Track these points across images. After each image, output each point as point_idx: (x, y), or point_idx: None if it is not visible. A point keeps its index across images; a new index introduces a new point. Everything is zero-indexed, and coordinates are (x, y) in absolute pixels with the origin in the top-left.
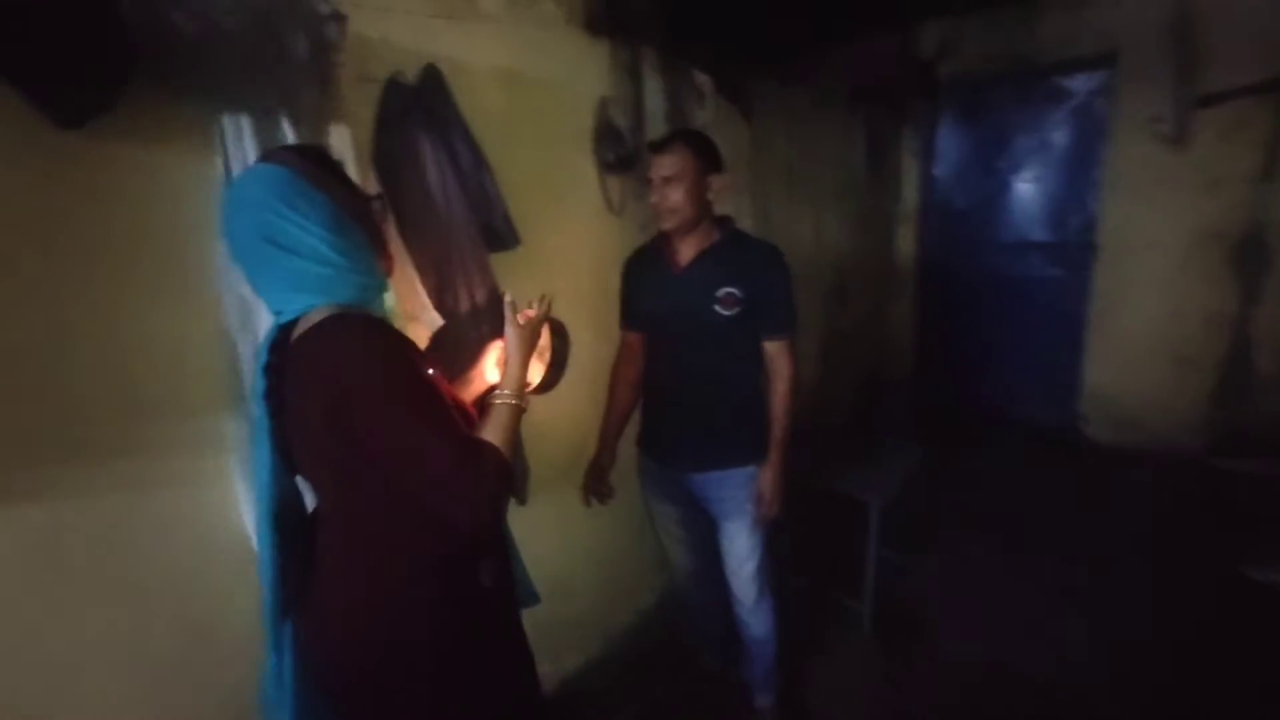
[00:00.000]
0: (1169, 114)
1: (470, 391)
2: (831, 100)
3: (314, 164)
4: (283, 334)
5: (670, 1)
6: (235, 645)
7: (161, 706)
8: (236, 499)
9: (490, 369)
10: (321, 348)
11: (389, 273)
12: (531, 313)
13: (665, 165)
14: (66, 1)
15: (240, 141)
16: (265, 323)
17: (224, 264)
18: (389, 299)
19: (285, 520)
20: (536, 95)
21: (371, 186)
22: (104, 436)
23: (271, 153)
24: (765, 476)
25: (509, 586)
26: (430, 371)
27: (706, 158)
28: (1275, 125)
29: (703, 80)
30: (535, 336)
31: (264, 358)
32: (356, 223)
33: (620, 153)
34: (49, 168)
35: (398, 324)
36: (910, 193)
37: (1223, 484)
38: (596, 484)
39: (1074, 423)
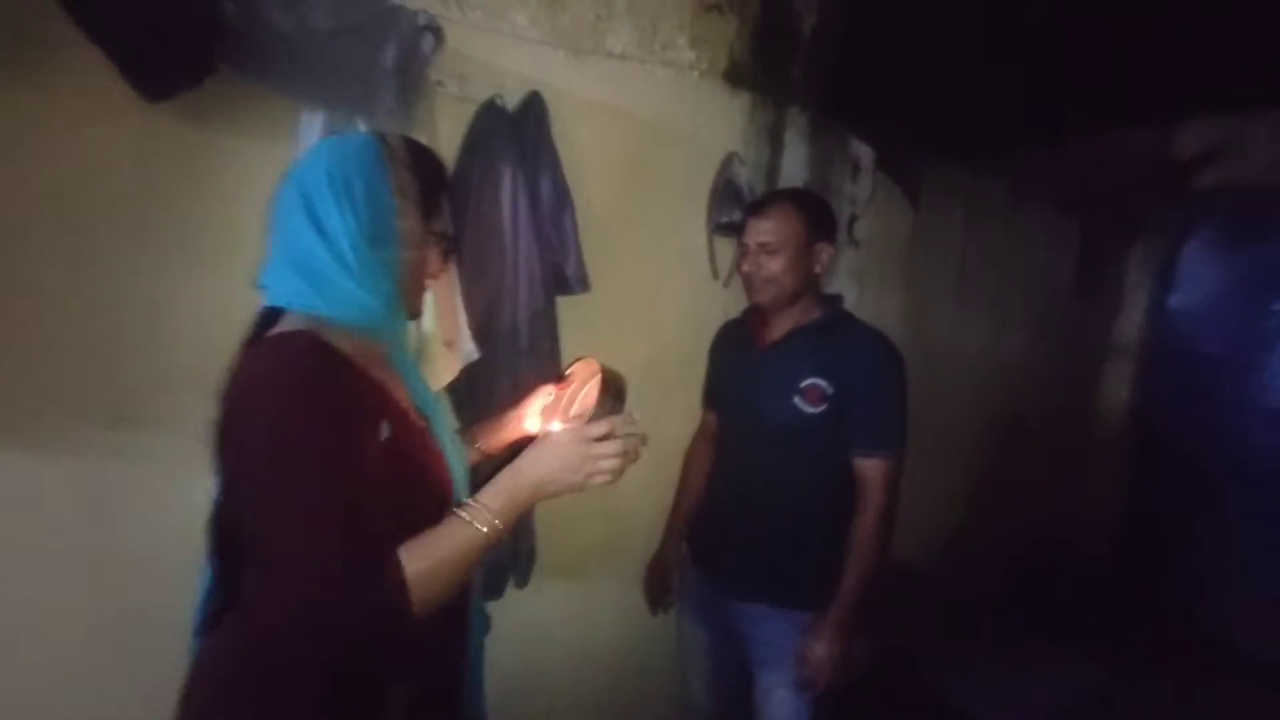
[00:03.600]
0: None
1: (500, 438)
2: (1036, 196)
3: (415, 169)
4: (265, 322)
5: (840, 58)
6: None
7: (89, 683)
8: None
9: (532, 417)
10: (250, 360)
11: (412, 316)
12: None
13: (764, 230)
14: None
15: (312, 138)
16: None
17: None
18: (426, 325)
19: (220, 532)
20: (652, 140)
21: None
22: (140, 408)
23: (384, 133)
24: (818, 631)
25: None
26: (385, 433)
27: (816, 223)
28: None
29: (861, 151)
30: (590, 460)
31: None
32: (401, 249)
33: (736, 216)
34: (136, 140)
35: (432, 350)
36: (1132, 324)
37: None
38: (656, 587)
39: None
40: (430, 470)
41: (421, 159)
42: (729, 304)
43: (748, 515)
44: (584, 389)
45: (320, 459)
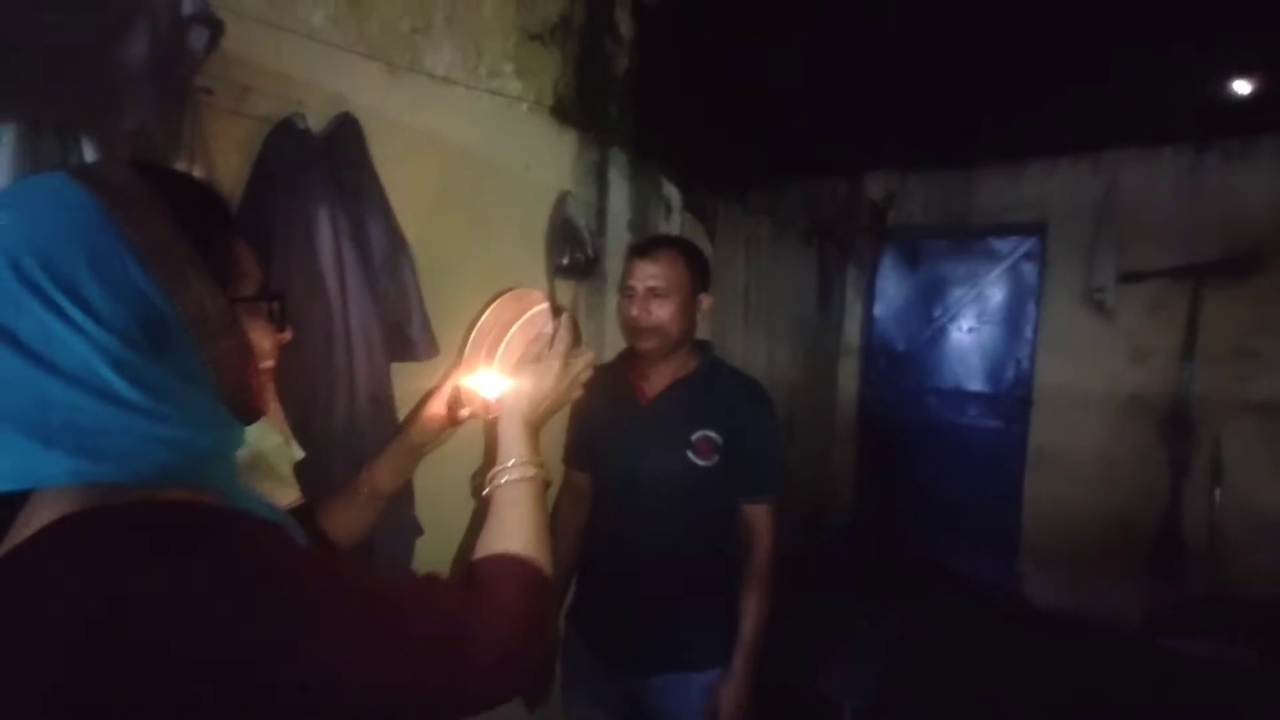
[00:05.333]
0: (1096, 285)
1: (401, 470)
2: (789, 231)
3: (172, 213)
4: None
5: (641, 110)
6: None
7: None
8: None
9: (434, 411)
10: (61, 610)
11: (251, 419)
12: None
13: (653, 274)
14: None
15: None
16: None
17: None
18: (251, 432)
19: None
20: (483, 176)
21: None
22: None
23: (91, 166)
24: (726, 690)
25: None
26: None
27: (700, 272)
28: (1190, 308)
29: (671, 192)
30: (572, 378)
31: None
32: (201, 342)
33: (578, 257)
34: None
35: (272, 459)
36: (853, 330)
37: (1167, 666)
38: (538, 680)
39: (1014, 582)
40: None
41: (181, 193)
42: None
43: (645, 580)
44: (511, 329)
45: (332, 590)
